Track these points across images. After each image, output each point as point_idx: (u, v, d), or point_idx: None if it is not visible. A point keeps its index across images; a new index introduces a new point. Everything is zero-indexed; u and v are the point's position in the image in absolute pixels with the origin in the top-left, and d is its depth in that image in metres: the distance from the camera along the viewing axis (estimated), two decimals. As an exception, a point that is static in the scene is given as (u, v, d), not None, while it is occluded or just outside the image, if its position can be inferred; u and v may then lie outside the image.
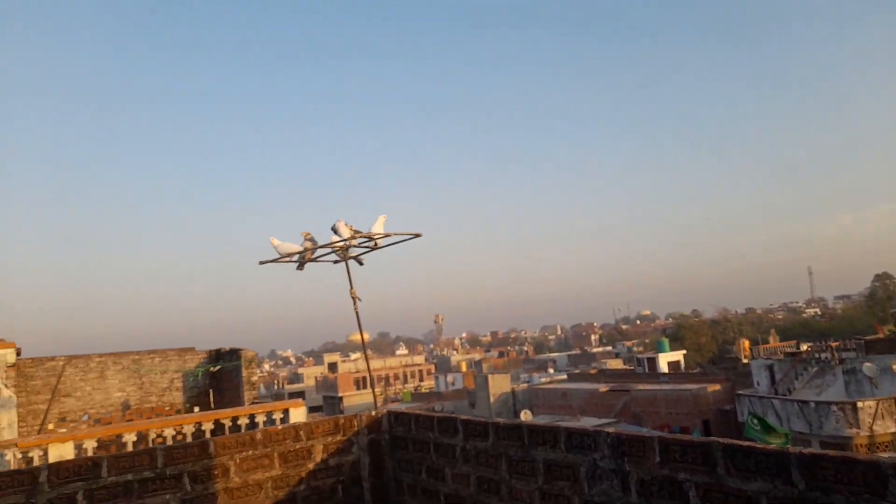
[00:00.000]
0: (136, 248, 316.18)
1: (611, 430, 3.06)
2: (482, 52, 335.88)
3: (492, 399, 44.51)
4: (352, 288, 7.45)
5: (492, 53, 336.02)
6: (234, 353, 17.75)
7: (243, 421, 11.44)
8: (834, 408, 24.38)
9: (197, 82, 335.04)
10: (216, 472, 3.88)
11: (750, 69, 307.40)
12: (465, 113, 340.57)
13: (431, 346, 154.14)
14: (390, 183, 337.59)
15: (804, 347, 35.11)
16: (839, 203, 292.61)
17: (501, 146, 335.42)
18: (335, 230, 7.20)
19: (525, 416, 35.09)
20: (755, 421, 20.32)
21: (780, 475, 2.28)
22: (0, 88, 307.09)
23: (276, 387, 78.09)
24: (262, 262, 7.61)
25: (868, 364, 28.09)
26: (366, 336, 8.36)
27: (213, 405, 17.81)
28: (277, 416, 11.86)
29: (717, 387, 35.67)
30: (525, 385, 49.19)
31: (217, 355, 19.14)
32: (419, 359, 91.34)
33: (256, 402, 16.22)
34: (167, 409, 18.00)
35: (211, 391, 18.62)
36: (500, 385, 45.83)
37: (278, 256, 7.46)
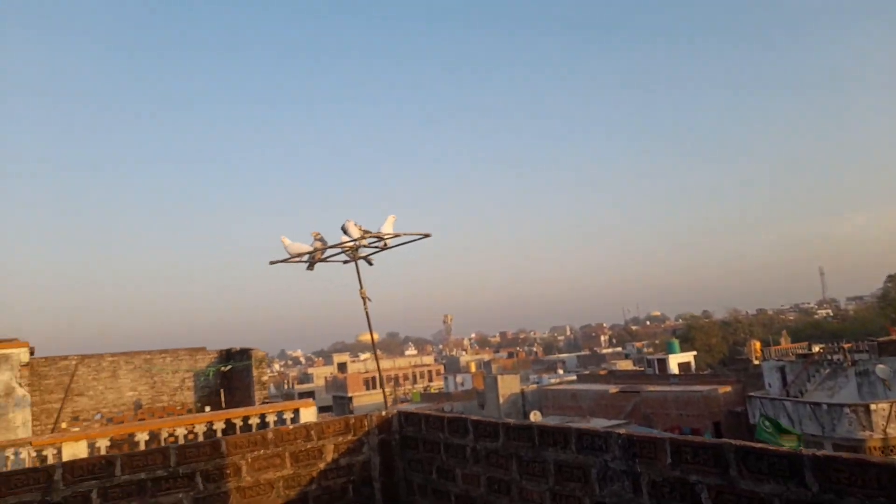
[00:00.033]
0: (145, 249, 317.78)
1: (622, 431, 3.04)
2: (486, 52, 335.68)
3: (501, 400, 44.46)
4: (361, 288, 7.47)
5: (497, 54, 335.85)
6: (245, 353, 17.84)
7: (254, 420, 11.51)
8: (847, 410, 24.18)
9: (198, 82, 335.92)
10: (228, 472, 3.90)
11: (763, 68, 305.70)
12: (471, 114, 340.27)
13: (440, 346, 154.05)
14: (397, 183, 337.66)
15: (816, 349, 34.80)
16: (852, 203, 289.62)
17: (508, 146, 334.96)
18: (345, 230, 7.22)
19: (535, 417, 35.04)
20: (767, 423, 20.22)
21: (794, 477, 2.27)
22: (0, 88, 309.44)
23: (286, 387, 78.46)
24: (272, 262, 7.65)
25: (881, 366, 27.84)
26: (375, 336, 8.37)
27: (223, 405, 17.90)
28: (288, 415, 11.91)
29: (728, 388, 35.41)
30: (534, 386, 49.10)
31: (228, 355, 19.24)
32: (428, 359, 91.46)
33: (267, 402, 16.29)
34: (179, 408, 18.12)
35: (222, 391, 18.72)
36: (509, 386, 45.77)
37: (288, 256, 7.50)
